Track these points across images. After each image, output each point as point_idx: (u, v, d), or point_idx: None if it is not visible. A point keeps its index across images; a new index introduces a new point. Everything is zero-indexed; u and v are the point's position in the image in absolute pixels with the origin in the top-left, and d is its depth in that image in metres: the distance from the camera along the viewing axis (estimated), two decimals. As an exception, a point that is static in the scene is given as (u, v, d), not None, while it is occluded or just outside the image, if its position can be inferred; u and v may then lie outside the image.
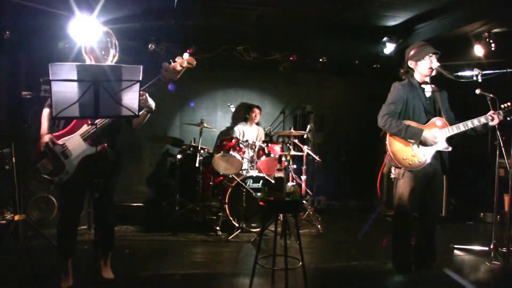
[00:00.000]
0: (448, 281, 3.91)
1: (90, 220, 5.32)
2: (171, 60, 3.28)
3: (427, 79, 3.82)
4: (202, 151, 6.04)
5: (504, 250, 4.51)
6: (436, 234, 3.94)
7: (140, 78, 2.77)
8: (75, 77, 2.63)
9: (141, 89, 3.12)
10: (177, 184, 6.48)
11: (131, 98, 2.79)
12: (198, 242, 5.17)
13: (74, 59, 4.57)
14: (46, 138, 3.23)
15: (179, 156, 6.43)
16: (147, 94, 3.26)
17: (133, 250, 4.73)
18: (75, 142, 3.27)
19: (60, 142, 3.25)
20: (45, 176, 3.25)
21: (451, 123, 3.77)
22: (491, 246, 4.72)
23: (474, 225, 6.43)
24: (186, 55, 3.28)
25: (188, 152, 6.37)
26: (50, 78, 2.58)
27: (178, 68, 3.26)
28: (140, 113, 3.04)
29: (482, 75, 3.74)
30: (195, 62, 3.30)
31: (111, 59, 3.37)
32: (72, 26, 4.20)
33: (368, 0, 5.23)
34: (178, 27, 6.09)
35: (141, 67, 2.75)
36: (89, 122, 3.26)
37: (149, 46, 6.42)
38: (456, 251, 4.92)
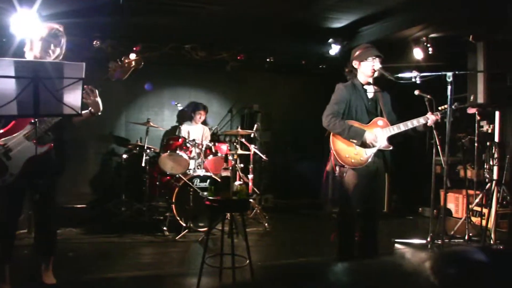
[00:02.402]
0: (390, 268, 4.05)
1: (30, 223, 5.08)
2: (118, 60, 3.20)
3: (370, 80, 3.93)
4: (148, 151, 5.94)
5: (440, 242, 4.74)
6: (378, 229, 4.07)
7: (83, 76, 2.68)
8: (13, 73, 2.51)
9: (89, 86, 3.03)
10: (123, 185, 6.34)
11: (73, 96, 2.70)
12: (144, 243, 5.08)
13: (13, 54, 4.35)
14: None
15: (124, 156, 6.29)
16: (97, 93, 3.16)
17: (77, 253, 4.58)
18: (18, 142, 3.10)
19: (0, 142, 3.08)
20: None
21: (392, 124, 3.89)
22: (428, 239, 4.96)
23: (414, 220, 6.73)
24: (132, 55, 3.21)
25: (134, 151, 6.24)
26: (-15, 74, 2.45)
27: (125, 68, 3.19)
28: (83, 112, 2.95)
29: (420, 77, 3.90)
30: (142, 63, 3.24)
31: (56, 56, 3.23)
32: (12, 20, 4.00)
33: (314, 2, 5.32)
34: (125, 24, 5.94)
35: (84, 64, 2.66)
36: (32, 121, 3.10)
37: (94, 43, 6.23)
38: (397, 245, 5.12)
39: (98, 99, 3.22)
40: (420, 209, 6.97)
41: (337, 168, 3.84)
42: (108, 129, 7.18)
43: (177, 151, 5.67)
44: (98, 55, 6.21)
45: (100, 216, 6.33)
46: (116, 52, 6.38)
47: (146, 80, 7.24)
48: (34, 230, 3.47)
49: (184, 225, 5.28)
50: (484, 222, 5.18)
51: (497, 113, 5.51)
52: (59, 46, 3.22)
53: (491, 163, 5.47)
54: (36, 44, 3.16)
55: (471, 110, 5.36)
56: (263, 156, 6.39)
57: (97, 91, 3.17)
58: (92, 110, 3.24)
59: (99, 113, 3.29)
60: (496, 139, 5.51)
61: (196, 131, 6.76)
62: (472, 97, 5.16)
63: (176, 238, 5.17)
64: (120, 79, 3.21)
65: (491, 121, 5.71)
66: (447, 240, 5.07)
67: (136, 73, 3.39)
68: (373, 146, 3.76)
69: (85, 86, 3.04)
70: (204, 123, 7.09)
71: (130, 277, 3.91)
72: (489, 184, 5.39)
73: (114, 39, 6.36)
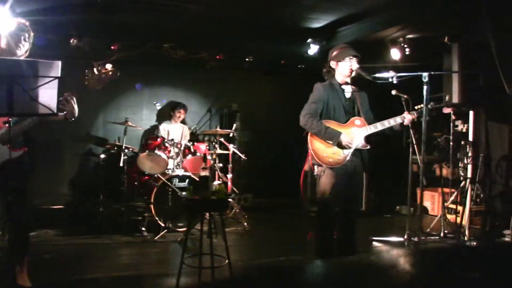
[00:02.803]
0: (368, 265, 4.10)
1: (4, 225, 4.97)
2: (94, 69, 3.16)
3: (348, 80, 3.96)
4: (126, 150, 5.87)
5: (416, 239, 4.81)
6: (356, 227, 4.10)
7: (59, 74, 2.64)
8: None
9: (68, 93, 2.98)
10: (100, 185, 6.24)
11: (48, 95, 2.65)
12: (123, 243, 5.02)
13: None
14: None
15: (102, 156, 6.21)
16: (74, 100, 3.11)
17: (54, 255, 4.49)
18: None
19: None
20: None
21: (370, 123, 3.93)
22: (405, 237, 5.03)
23: (391, 218, 6.81)
24: (109, 66, 3.19)
25: (112, 151, 6.16)
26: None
27: (102, 78, 3.15)
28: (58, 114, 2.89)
29: (397, 77, 3.95)
30: (118, 74, 3.22)
31: (23, 53, 3.16)
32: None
33: (293, 2, 5.33)
34: (103, 22, 5.86)
35: (60, 62, 2.62)
36: (5, 121, 3.03)
37: (71, 41, 6.11)
38: (374, 243, 5.18)
39: (75, 106, 3.17)
40: (397, 207, 7.06)
41: (315, 168, 3.86)
42: (85, 129, 7.07)
43: (156, 151, 5.62)
44: (75, 53, 6.10)
45: (77, 217, 6.23)
46: (94, 51, 6.29)
47: (124, 79, 7.13)
48: (7, 231, 3.40)
49: (163, 225, 5.23)
50: (458, 219, 5.28)
51: (471, 113, 5.63)
52: (27, 40, 3.16)
53: (465, 161, 5.58)
54: (5, 39, 3.09)
55: (446, 110, 5.46)
56: (242, 156, 6.39)
57: (74, 99, 3.12)
58: (67, 115, 3.19)
59: (73, 119, 3.23)
60: (470, 138, 5.63)
61: (175, 130, 6.71)
62: (447, 97, 5.26)
63: (155, 238, 5.12)
64: (96, 89, 3.17)
65: (466, 121, 5.82)
66: (423, 238, 5.16)
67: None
68: (349, 148, 3.79)
69: (65, 94, 3.01)
70: (183, 122, 7.04)
71: (108, 278, 3.85)
72: (463, 182, 5.49)
73: (91, 37, 6.26)
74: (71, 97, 3.08)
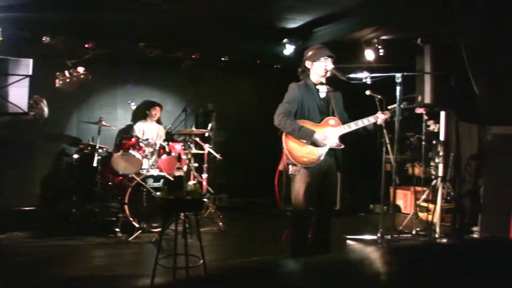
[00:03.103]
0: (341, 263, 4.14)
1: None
2: (66, 72, 3.10)
3: (323, 80, 3.98)
4: (100, 150, 5.79)
5: (389, 237, 4.89)
6: (331, 226, 4.13)
7: (30, 73, 2.58)
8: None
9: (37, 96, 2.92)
10: (74, 185, 6.14)
11: (19, 94, 2.59)
12: (97, 245, 4.95)
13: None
14: None
15: (76, 156, 6.11)
16: (44, 102, 3.05)
17: (25, 258, 4.38)
18: None
19: None
20: None
21: (344, 123, 3.96)
22: (379, 235, 5.10)
23: (365, 217, 6.90)
24: (81, 69, 3.14)
25: (86, 151, 6.07)
26: None
27: (73, 81, 3.11)
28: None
29: (371, 78, 4.00)
30: (90, 77, 3.18)
31: None
32: None
33: (269, 2, 5.34)
34: (76, 19, 5.75)
35: (31, 61, 2.56)
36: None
37: (44, 39, 5.98)
38: (348, 241, 5.23)
39: (45, 109, 3.11)
40: (371, 206, 7.16)
41: (290, 167, 3.87)
42: (58, 128, 6.94)
43: (130, 151, 5.56)
44: (48, 51, 5.98)
45: (50, 218, 6.11)
46: (68, 49, 6.18)
47: (99, 78, 7.05)
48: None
49: (137, 226, 5.18)
50: (430, 217, 5.39)
51: (442, 113, 5.75)
52: None
53: (436, 160, 5.69)
54: None
55: (419, 110, 5.56)
56: (218, 155, 6.37)
57: (44, 101, 3.06)
58: (36, 116, 3.12)
59: (43, 119, 3.17)
60: (442, 138, 5.74)
61: (151, 130, 6.66)
62: (419, 98, 5.35)
63: (129, 239, 5.07)
64: (67, 91, 3.12)
65: (437, 121, 5.94)
66: (396, 235, 5.24)
67: (88, 71, 3.29)
68: (324, 146, 3.81)
69: (34, 96, 2.95)
70: (158, 122, 6.99)
71: (81, 280, 3.79)
72: (434, 181, 5.60)
73: (65, 35, 6.14)
74: (40, 99, 3.02)
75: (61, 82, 3.08)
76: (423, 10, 5.05)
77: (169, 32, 6.62)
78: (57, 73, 3.09)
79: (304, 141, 3.76)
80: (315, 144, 3.78)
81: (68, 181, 6.61)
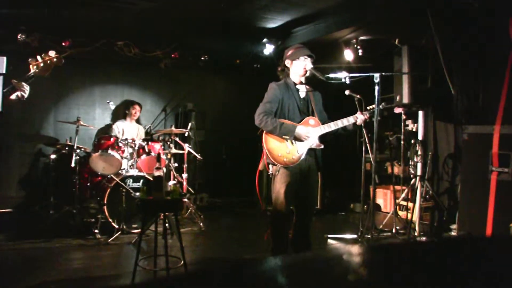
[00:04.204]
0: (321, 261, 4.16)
1: None
2: (38, 56, 3.05)
3: (302, 80, 3.99)
4: (78, 151, 5.71)
5: (369, 236, 4.93)
6: (311, 226, 4.15)
7: (4, 71, 2.53)
8: None
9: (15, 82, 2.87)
10: (51, 186, 6.04)
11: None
12: (75, 247, 4.87)
13: None
14: None
15: (53, 156, 6.01)
16: (23, 84, 3.00)
17: (1, 261, 4.29)
18: None
19: None
20: None
21: (323, 123, 3.98)
22: (359, 234, 5.14)
23: (346, 216, 6.96)
24: (52, 53, 3.09)
25: (64, 151, 5.97)
26: None
27: (46, 65, 3.06)
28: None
29: (350, 78, 4.02)
30: (63, 61, 3.13)
31: None
32: None
33: (248, 1, 5.34)
34: (53, 17, 5.65)
35: (5, 58, 2.51)
36: None
37: (19, 36, 5.86)
38: (329, 240, 5.27)
39: (26, 89, 3.07)
40: (351, 205, 7.22)
41: (270, 167, 3.87)
42: (35, 128, 6.81)
43: (109, 151, 5.50)
44: (23, 49, 5.86)
45: (26, 221, 6.00)
46: (44, 47, 6.07)
47: (76, 77, 6.97)
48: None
49: (116, 227, 5.12)
50: (409, 216, 5.46)
51: (420, 113, 5.82)
52: None
53: (415, 159, 5.76)
54: None
55: (397, 110, 5.63)
56: (198, 155, 6.35)
57: (23, 83, 3.02)
58: (20, 97, 3.08)
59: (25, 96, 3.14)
60: (420, 137, 5.82)
61: (130, 129, 6.60)
62: (398, 98, 5.42)
63: (108, 240, 5.00)
64: (42, 76, 3.07)
65: (415, 120, 6.01)
66: (376, 234, 5.30)
67: (66, 70, 3.26)
68: (307, 138, 3.81)
69: (12, 81, 2.90)
70: (138, 122, 6.92)
71: (59, 283, 3.72)
72: (413, 180, 5.67)
73: (41, 33, 6.03)
74: (18, 83, 2.98)
75: (35, 67, 3.03)
76: (400, 11, 5.13)
77: (148, 31, 6.57)
78: (30, 58, 3.05)
79: (287, 137, 3.75)
80: (298, 138, 3.77)
81: (45, 182, 6.50)
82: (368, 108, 4.11)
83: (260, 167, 3.97)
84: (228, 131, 8.08)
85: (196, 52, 7.39)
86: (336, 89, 4.29)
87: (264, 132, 3.83)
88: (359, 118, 3.92)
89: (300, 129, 3.77)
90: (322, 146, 3.92)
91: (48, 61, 3.08)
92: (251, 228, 5.94)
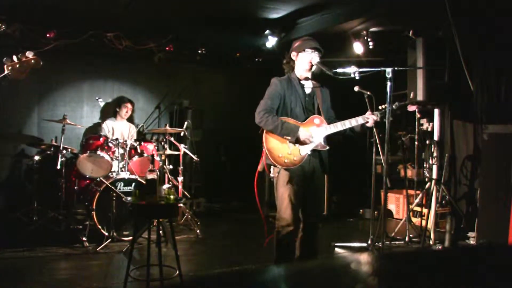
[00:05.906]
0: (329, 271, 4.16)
1: None
2: (14, 57, 3.07)
3: (308, 75, 3.97)
4: (64, 151, 5.72)
5: (380, 244, 4.92)
6: (318, 233, 4.14)
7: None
8: None
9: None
10: (34, 190, 6.05)
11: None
12: (60, 256, 4.88)
13: None
14: None
15: (37, 158, 6.02)
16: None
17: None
18: None
19: None
20: None
21: (330, 122, 3.95)
22: (369, 242, 5.14)
23: (355, 222, 6.96)
24: (30, 53, 3.10)
25: (48, 152, 5.98)
26: None
27: (23, 66, 3.07)
28: None
29: (359, 73, 4.01)
30: (41, 63, 3.14)
31: None
32: None
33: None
34: (36, 6, 5.66)
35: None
36: None
37: (-1, 27, 5.89)
38: (336, 249, 5.27)
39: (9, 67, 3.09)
40: (360, 210, 7.22)
41: (270, 169, 3.85)
42: (17, 127, 6.84)
43: (98, 152, 5.51)
44: (4, 41, 5.87)
45: (7, 227, 6.01)
46: (26, 38, 6.08)
47: (62, 72, 6.98)
48: None
49: (106, 234, 5.14)
50: (424, 223, 5.45)
51: (436, 111, 5.81)
52: None
53: (430, 162, 5.74)
54: None
55: (411, 108, 5.62)
56: (194, 157, 6.36)
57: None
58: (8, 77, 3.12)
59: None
60: (436, 137, 5.80)
61: (121, 129, 6.61)
62: (412, 94, 5.41)
63: (97, 249, 5.01)
64: (17, 79, 3.08)
65: (431, 119, 6.00)
66: (387, 242, 5.29)
67: (51, 64, 3.27)
68: (310, 143, 3.78)
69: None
70: (130, 120, 6.94)
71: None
72: (428, 184, 5.65)
73: (23, 23, 6.04)
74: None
75: (10, 68, 3.04)
76: (413, 0, 5.12)
77: (140, 21, 6.56)
78: (4, 58, 3.06)
79: (288, 138, 3.73)
80: (299, 141, 3.74)
81: (28, 185, 6.52)
82: (379, 108, 4.06)
83: (259, 168, 3.95)
84: (227, 131, 8.09)
85: (193, 45, 7.40)
86: (344, 85, 4.28)
87: (265, 130, 3.81)
88: (370, 119, 3.85)
89: (302, 132, 3.72)
90: (327, 148, 3.89)
91: (25, 63, 3.08)
92: (252, 236, 5.95)
